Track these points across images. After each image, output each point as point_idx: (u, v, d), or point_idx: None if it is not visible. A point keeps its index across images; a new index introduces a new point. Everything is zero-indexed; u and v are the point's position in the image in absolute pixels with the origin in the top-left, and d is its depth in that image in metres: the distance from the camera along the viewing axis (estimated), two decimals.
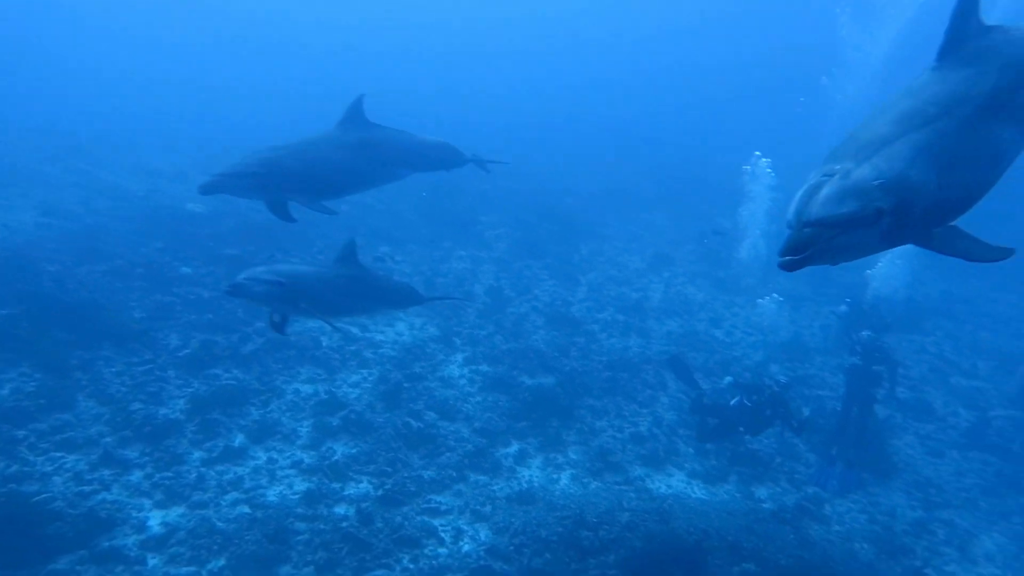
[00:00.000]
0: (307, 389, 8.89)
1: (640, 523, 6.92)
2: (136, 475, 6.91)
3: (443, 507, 7.27)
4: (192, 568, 5.88)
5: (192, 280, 10.98)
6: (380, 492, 7.27)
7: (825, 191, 2.85)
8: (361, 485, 7.41)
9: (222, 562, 6.00)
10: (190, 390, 8.31)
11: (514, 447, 8.55)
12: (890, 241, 3.06)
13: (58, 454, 6.92)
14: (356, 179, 7.58)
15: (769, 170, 13.93)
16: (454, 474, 7.81)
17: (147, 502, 6.61)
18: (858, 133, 3.26)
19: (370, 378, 9.33)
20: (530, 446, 8.62)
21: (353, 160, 7.49)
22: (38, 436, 7.05)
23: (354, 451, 7.89)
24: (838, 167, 2.98)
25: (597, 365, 10.52)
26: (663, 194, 21.11)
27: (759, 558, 6.79)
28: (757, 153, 14.04)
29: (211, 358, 8.97)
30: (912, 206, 2.97)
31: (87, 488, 6.51)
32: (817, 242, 2.79)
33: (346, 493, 7.23)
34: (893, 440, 9.89)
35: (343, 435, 8.17)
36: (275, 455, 7.69)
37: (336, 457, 7.74)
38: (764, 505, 8.19)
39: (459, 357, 10.31)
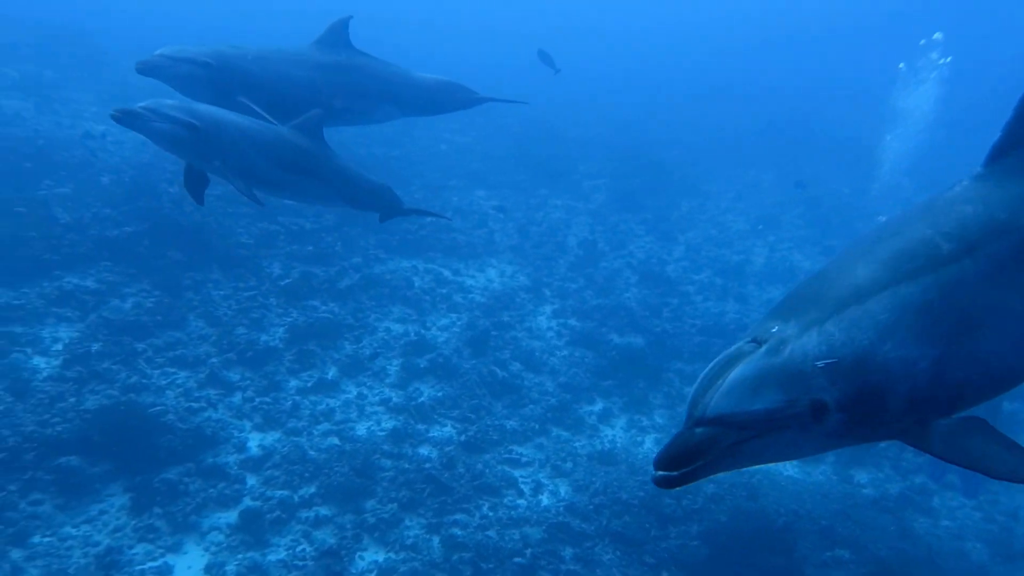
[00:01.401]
0: (398, 328, 9.07)
1: (727, 496, 6.77)
2: (238, 397, 7.30)
3: (524, 459, 7.35)
4: (286, 492, 6.20)
5: (295, 210, 11.29)
6: (463, 438, 7.41)
7: (737, 372, 2.05)
8: (445, 429, 7.57)
9: (313, 489, 6.29)
10: (289, 319, 8.62)
11: (598, 405, 8.51)
12: (851, 439, 2.20)
13: (171, 370, 7.37)
14: (326, 107, 6.33)
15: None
16: (536, 427, 7.85)
17: (247, 424, 6.99)
18: (829, 273, 2.38)
19: (459, 323, 9.42)
20: (614, 406, 8.55)
21: (326, 83, 6.48)
22: (155, 351, 7.51)
23: (439, 394, 8.04)
24: (775, 329, 2.16)
25: (690, 328, 10.24)
26: (773, 152, 19.97)
27: (854, 545, 6.53)
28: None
29: (309, 290, 9.26)
30: (882, 397, 2.12)
31: (195, 405, 6.93)
32: (714, 447, 1.99)
33: (430, 435, 7.41)
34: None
35: (430, 377, 8.33)
36: (365, 391, 7.94)
37: (422, 399, 7.92)
38: (864, 491, 7.84)
39: (548, 309, 10.26)
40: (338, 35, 6.76)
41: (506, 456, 7.33)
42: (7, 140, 10.21)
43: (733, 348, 2.17)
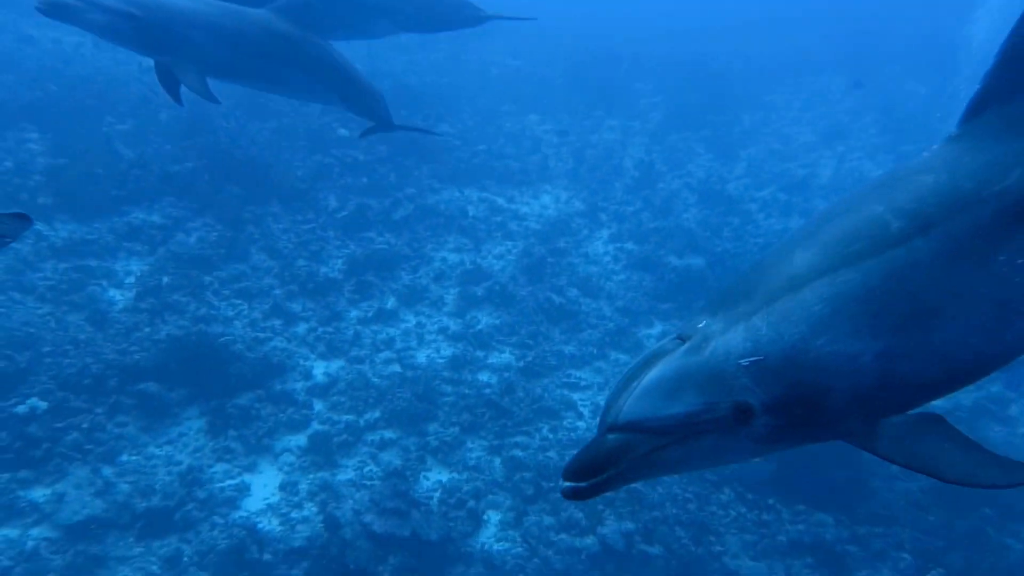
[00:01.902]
0: (454, 258, 9.09)
1: None
2: (302, 327, 7.49)
3: (583, 383, 7.38)
4: (351, 416, 6.40)
5: (349, 142, 11.27)
6: (521, 363, 7.47)
7: (653, 373, 1.86)
8: (503, 355, 7.64)
9: (377, 414, 6.48)
10: (347, 251, 8.73)
11: (657, 328, 8.42)
12: (785, 443, 1.98)
13: (237, 301, 7.58)
14: (316, 24, 5.64)
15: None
16: (594, 351, 7.85)
17: (311, 353, 7.19)
18: (767, 261, 2.14)
19: (514, 250, 9.37)
20: (673, 329, 8.43)
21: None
22: (221, 283, 7.72)
23: (497, 322, 8.08)
24: (701, 324, 1.97)
25: (752, 247, 9.92)
26: (842, 58, 18.75)
27: None
28: None
29: (365, 221, 9.32)
30: (817, 397, 1.88)
31: (261, 335, 7.14)
32: (628, 456, 1.80)
33: (489, 361, 7.50)
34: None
35: (487, 305, 8.36)
36: (423, 320, 8.04)
37: (480, 326, 7.98)
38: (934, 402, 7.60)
39: (604, 233, 10.09)
40: None
41: (565, 380, 7.37)
42: (70, 79, 10.39)
43: (655, 346, 1.99)
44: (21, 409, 5.30)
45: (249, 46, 5.06)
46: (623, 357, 7.86)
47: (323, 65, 5.49)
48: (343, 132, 11.54)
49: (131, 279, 7.27)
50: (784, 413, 1.87)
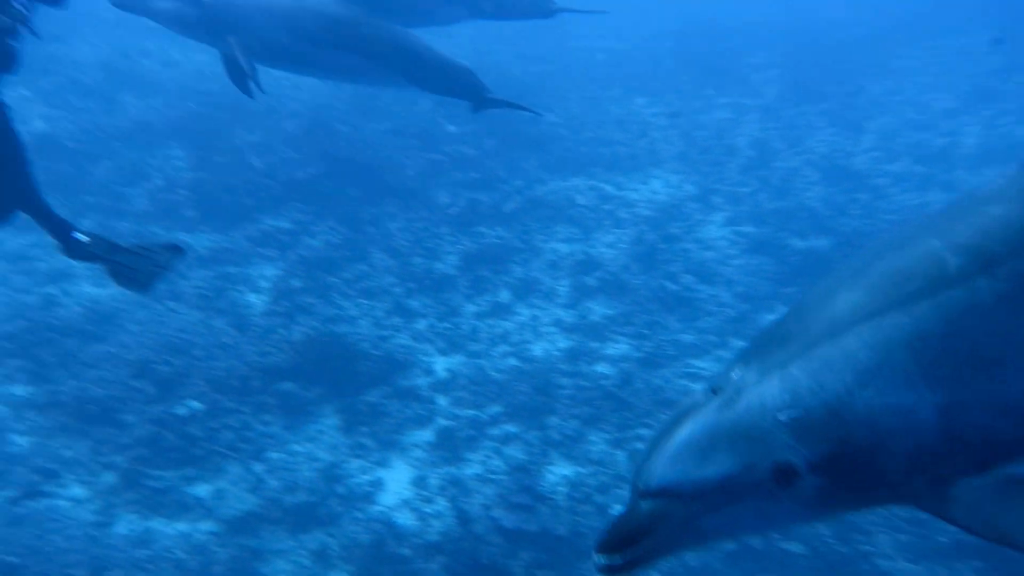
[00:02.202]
0: (564, 248, 9.09)
1: None
2: (421, 324, 7.75)
3: (704, 372, 7.21)
4: (473, 411, 6.59)
5: (457, 138, 11.49)
6: (639, 354, 7.40)
7: (684, 431, 1.72)
8: (620, 346, 7.59)
9: (498, 408, 6.63)
10: (460, 247, 8.92)
11: (781, 313, 8.09)
12: (840, 506, 1.80)
13: (361, 300, 7.95)
14: (380, 7, 5.57)
15: None
16: (715, 339, 7.65)
17: (432, 349, 7.43)
18: (807, 303, 1.95)
19: (625, 238, 9.25)
20: None
21: None
22: (346, 283, 8.11)
23: (611, 312, 8.03)
24: (735, 374, 1.79)
25: (885, 224, 9.31)
26: (981, 13, 17.08)
27: None
28: None
29: (476, 216, 9.49)
30: (871, 455, 1.67)
31: (385, 333, 7.46)
32: (664, 525, 1.67)
33: (606, 353, 7.47)
34: None
35: (600, 295, 8.32)
36: (537, 312, 8.11)
37: (594, 317, 7.96)
38: None
39: (719, 217, 9.77)
40: None
41: (685, 370, 7.24)
42: (205, 95, 11.18)
43: (687, 400, 1.85)
44: (181, 410, 5.84)
45: (309, 30, 5.11)
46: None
47: (390, 48, 5.41)
48: (452, 128, 11.78)
49: (266, 283, 7.79)
50: (833, 474, 1.68)
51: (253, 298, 7.59)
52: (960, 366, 1.70)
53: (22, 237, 7.60)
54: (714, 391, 1.82)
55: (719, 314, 7.96)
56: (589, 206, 9.91)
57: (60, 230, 3.62)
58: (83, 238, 3.59)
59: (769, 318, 8.00)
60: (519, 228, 9.41)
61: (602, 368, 7.23)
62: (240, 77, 5.29)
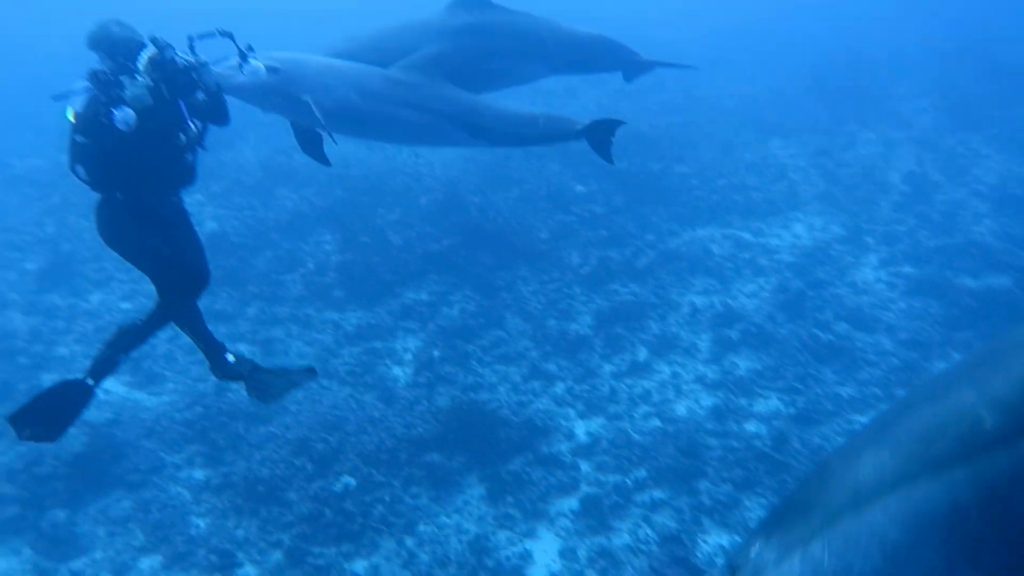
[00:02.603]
0: (702, 301, 8.79)
1: None
2: (559, 387, 7.71)
3: None
4: (618, 476, 6.40)
5: (586, 197, 11.59)
6: (792, 410, 6.92)
7: None
8: (770, 402, 7.14)
9: (643, 472, 6.40)
10: (594, 306, 8.87)
11: (955, 361, 7.29)
12: None
13: (499, 366, 8.06)
14: (459, 74, 5.66)
15: None
16: (879, 392, 7.01)
17: (572, 412, 7.36)
18: (833, 464, 1.71)
19: (767, 287, 8.81)
20: None
21: (456, 50, 5.76)
22: (483, 350, 8.28)
23: (758, 365, 7.60)
24: (754, 551, 1.61)
25: None
26: None
27: None
28: None
29: (609, 274, 9.42)
30: None
31: (524, 398, 7.49)
32: None
33: (755, 410, 7.05)
34: None
35: (744, 348, 7.92)
36: (678, 369, 7.84)
37: (739, 372, 7.57)
38: None
39: (872, 258, 9.08)
40: None
41: (847, 427, 6.66)
42: (350, 180, 12.07)
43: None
44: (337, 486, 6.13)
45: (381, 92, 5.36)
46: None
47: (460, 108, 5.59)
48: (580, 188, 11.91)
49: (409, 355, 8.11)
50: None
51: (398, 371, 7.91)
52: (1009, 546, 1.41)
53: None
54: (732, 570, 1.65)
55: (881, 364, 7.31)
56: (726, 255, 9.56)
57: (214, 351, 3.97)
58: (231, 359, 3.91)
59: (941, 366, 7.24)
60: (653, 283, 9.24)
61: (753, 427, 6.82)
62: (313, 145, 5.50)
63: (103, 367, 3.92)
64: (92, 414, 7.00)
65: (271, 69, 4.73)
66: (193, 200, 11.65)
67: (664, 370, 7.86)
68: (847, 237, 9.56)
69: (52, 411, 3.78)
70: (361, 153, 14.20)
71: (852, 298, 8.33)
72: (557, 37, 6.61)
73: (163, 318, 4.02)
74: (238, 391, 7.46)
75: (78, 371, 3.90)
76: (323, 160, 5.59)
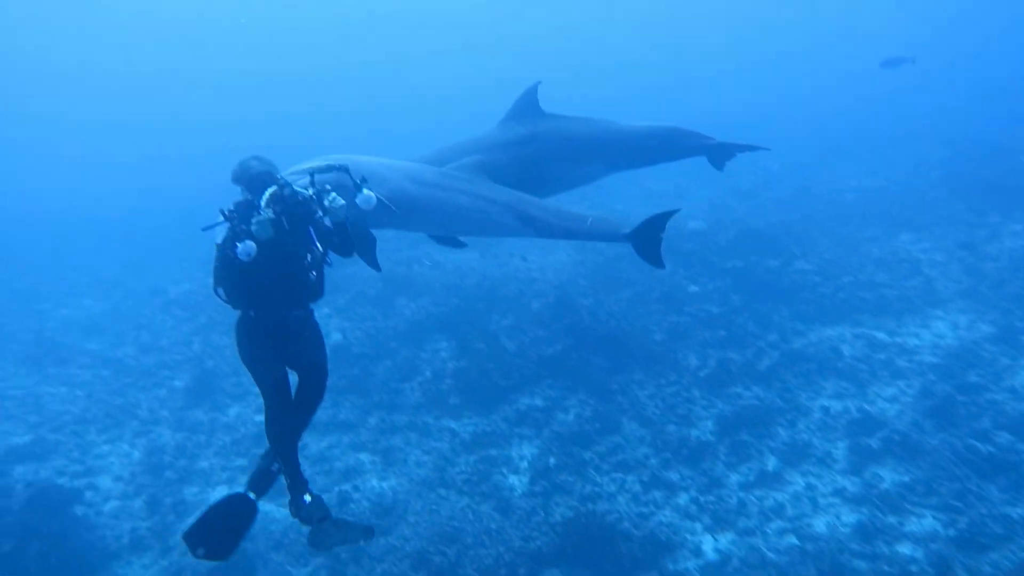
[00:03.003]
0: (836, 406, 8.20)
1: None
2: (683, 498, 7.31)
3: None
4: None
5: (701, 297, 11.36)
6: (952, 532, 6.16)
7: None
8: (924, 520, 6.41)
9: None
10: (715, 410, 8.48)
11: None
12: None
13: (617, 475, 7.77)
14: (518, 183, 5.80)
15: None
16: None
17: (697, 526, 6.91)
18: None
19: (909, 391, 8.11)
20: None
21: (511, 162, 5.94)
22: (600, 457, 8.04)
23: (906, 479, 6.90)
24: None
25: None
26: None
27: None
28: None
29: (729, 376, 9.04)
30: None
31: (645, 509, 7.14)
32: None
33: (907, 530, 6.34)
34: None
35: (888, 459, 7.23)
36: (813, 480, 7.25)
37: (885, 485, 6.89)
38: None
39: None
40: (525, 106, 6.33)
41: (1022, 555, 5.81)
42: (464, 288, 12.50)
43: None
44: None
45: (432, 183, 5.60)
46: None
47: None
48: (694, 288, 11.70)
49: (524, 463, 8.00)
50: None
51: (514, 479, 7.79)
52: None
53: (323, 439, 8.80)
54: None
55: None
56: (859, 356, 8.96)
57: (297, 487, 4.10)
58: (307, 499, 4.04)
59: None
60: (779, 386, 8.75)
61: (907, 549, 6.12)
62: (367, 247, 5.48)
63: (262, 480, 4.11)
64: None
65: (340, 167, 4.66)
66: (320, 313, 12.38)
67: (797, 481, 7.29)
68: (1000, 336, 8.72)
69: (222, 527, 3.89)
70: (474, 261, 14.77)
71: (1013, 405, 7.48)
72: (614, 136, 6.67)
73: (302, 425, 4.22)
74: (359, 502, 7.61)
75: (218, 483, 4.11)
76: (374, 264, 5.59)
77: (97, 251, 18.83)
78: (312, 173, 4.24)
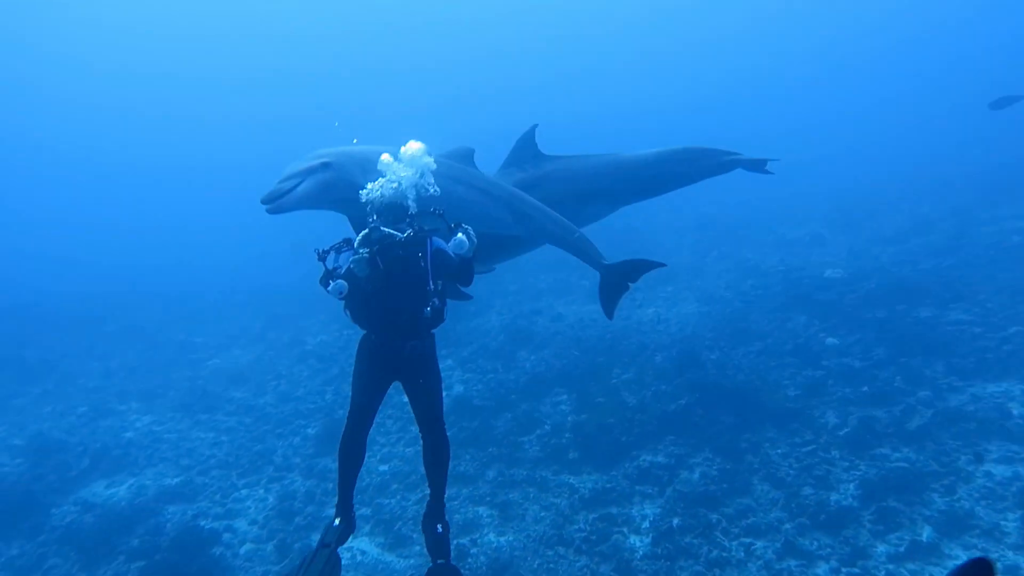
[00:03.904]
0: (1003, 472, 7.26)
1: None
2: (822, 568, 6.67)
3: None
4: None
5: (840, 350, 10.59)
6: None
7: None
8: None
9: None
10: (858, 473, 7.75)
11: None
12: None
13: (747, 539, 7.24)
14: (520, 233, 5.74)
15: None
16: None
17: None
18: None
19: None
20: None
21: (508, 210, 5.80)
22: (728, 520, 7.54)
23: None
24: None
25: None
26: None
27: None
28: None
29: (874, 436, 8.27)
30: None
31: None
32: None
33: None
34: None
35: None
36: (978, 554, 6.37)
37: None
38: None
39: None
40: (524, 150, 6.24)
41: None
42: (586, 341, 12.42)
43: None
44: None
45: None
46: None
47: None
48: (832, 340, 10.94)
49: (646, 523, 7.64)
50: None
51: (635, 540, 7.45)
52: None
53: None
54: None
55: None
56: None
57: (341, 507, 4.39)
58: (336, 523, 4.33)
59: None
60: (933, 448, 7.89)
61: None
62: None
63: (436, 546, 4.41)
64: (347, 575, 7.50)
65: (324, 165, 4.97)
66: (444, 365, 12.71)
67: (958, 555, 6.46)
68: None
69: None
70: (596, 313, 14.65)
71: None
72: (616, 169, 6.48)
73: (436, 485, 4.48)
74: (476, 556, 7.55)
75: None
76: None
77: (246, 305, 20.52)
78: (412, 216, 4.47)
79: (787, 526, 7.25)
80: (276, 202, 4.88)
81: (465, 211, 5.65)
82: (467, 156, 5.95)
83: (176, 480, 9.80)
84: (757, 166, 7.36)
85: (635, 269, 5.81)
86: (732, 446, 8.67)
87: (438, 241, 4.41)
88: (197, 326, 18.02)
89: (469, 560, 7.40)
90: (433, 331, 4.62)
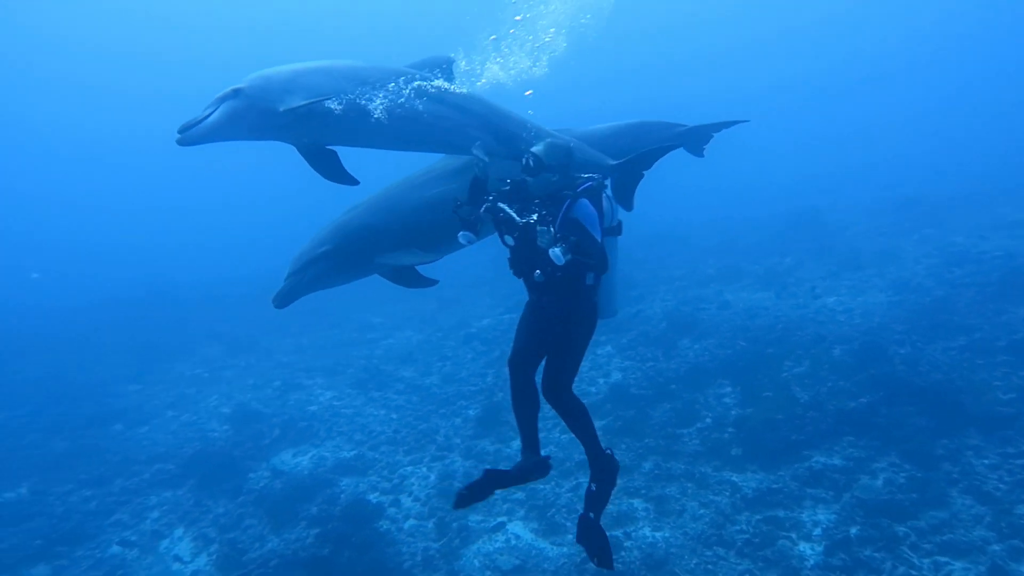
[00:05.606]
0: None
1: None
2: None
3: None
4: None
5: None
6: None
7: None
8: None
9: None
10: None
11: None
12: None
13: (942, 558, 6.41)
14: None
15: None
16: None
17: None
18: None
19: None
20: None
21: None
22: (919, 534, 6.73)
23: None
24: None
25: None
26: None
27: None
28: None
29: None
30: None
31: None
32: None
33: None
34: None
35: None
36: None
37: None
38: None
39: None
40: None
41: None
42: (754, 330, 11.60)
43: None
44: None
45: (371, 81, 4.75)
46: None
47: (485, 110, 5.13)
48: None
49: (819, 531, 6.99)
50: None
51: (805, 547, 6.84)
52: None
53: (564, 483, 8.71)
54: None
55: None
56: None
57: (526, 446, 4.54)
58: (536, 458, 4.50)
59: None
60: None
61: None
62: (330, 166, 4.88)
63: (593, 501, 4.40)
64: (502, 560, 7.58)
65: (232, 92, 4.42)
66: (602, 351, 12.45)
67: None
68: None
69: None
70: (767, 301, 13.69)
71: None
72: (559, 148, 5.56)
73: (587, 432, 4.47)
74: (630, 550, 7.32)
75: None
76: (348, 179, 4.93)
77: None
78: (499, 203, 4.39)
79: (995, 547, 6.33)
80: (185, 132, 4.39)
81: (432, 133, 4.99)
82: (444, 65, 5.10)
83: (351, 453, 10.49)
84: (699, 142, 6.40)
85: (646, 158, 5.44)
86: (925, 452, 7.70)
87: (558, 256, 4.03)
88: (376, 306, 19.15)
89: (623, 553, 7.19)
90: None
